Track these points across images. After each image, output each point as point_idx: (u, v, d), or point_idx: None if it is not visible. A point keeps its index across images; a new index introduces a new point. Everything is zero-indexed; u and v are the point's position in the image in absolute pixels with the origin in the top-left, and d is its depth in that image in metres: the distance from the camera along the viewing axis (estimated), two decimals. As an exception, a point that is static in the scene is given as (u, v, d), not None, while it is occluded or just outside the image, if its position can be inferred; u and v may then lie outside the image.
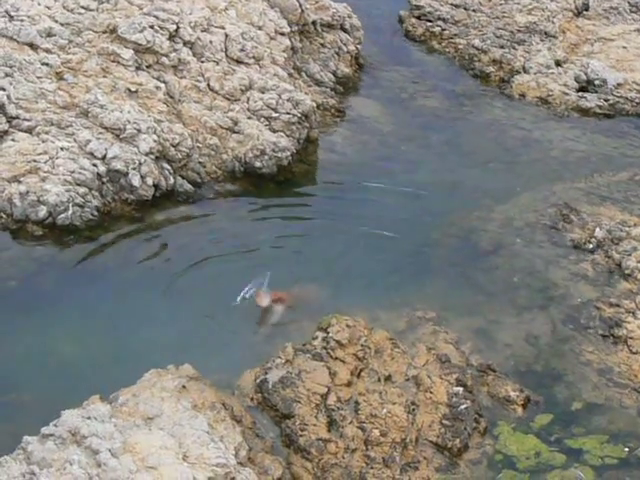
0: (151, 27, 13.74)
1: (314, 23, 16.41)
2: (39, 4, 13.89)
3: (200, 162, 13.17)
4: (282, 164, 13.50)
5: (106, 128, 12.48)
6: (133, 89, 13.18)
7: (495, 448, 9.24)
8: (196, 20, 14.42)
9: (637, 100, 16.85)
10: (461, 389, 9.60)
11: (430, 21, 18.94)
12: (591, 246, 12.18)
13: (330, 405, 9.03)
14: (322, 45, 16.59)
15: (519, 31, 18.44)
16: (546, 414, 9.70)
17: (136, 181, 12.18)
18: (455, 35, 18.60)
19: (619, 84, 17.07)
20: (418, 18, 19.08)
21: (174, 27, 13.96)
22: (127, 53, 13.43)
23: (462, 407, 9.40)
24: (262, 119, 13.82)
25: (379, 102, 16.28)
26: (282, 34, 15.27)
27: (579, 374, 10.26)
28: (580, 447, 9.27)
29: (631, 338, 10.68)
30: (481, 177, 14.23)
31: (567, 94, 16.84)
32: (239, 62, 14.46)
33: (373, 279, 11.64)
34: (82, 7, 14.02)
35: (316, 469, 8.59)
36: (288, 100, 13.97)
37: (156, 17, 13.91)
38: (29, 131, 12.30)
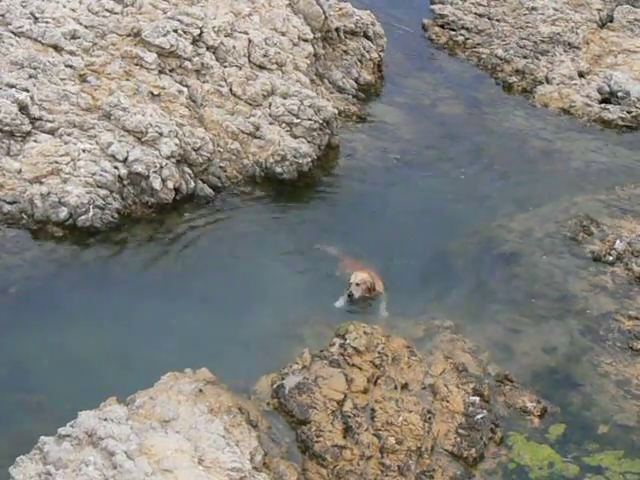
0: (175, 31, 13.79)
1: (337, 30, 16.44)
2: (64, 6, 13.98)
3: (221, 167, 13.21)
4: (303, 170, 13.52)
5: (128, 131, 12.53)
6: (156, 92, 13.24)
7: (509, 457, 9.21)
8: (220, 25, 14.47)
9: (660, 112, 16.81)
10: (478, 398, 9.57)
11: (454, 30, 18.96)
12: (611, 258, 12.13)
13: (346, 412, 9.02)
14: (345, 52, 16.61)
15: (542, 41, 18.43)
16: (561, 425, 9.67)
17: (157, 184, 12.21)
18: (478, 44, 18.59)
19: (642, 96, 17.04)
20: (442, 27, 19.11)
21: (198, 31, 14.01)
22: (150, 57, 13.49)
23: (478, 417, 9.37)
24: (283, 125, 13.85)
25: (401, 109, 16.29)
26: (305, 40, 15.30)
27: (597, 386, 10.21)
28: (598, 464, 9.22)
29: (650, 351, 10.67)
30: (502, 186, 14.21)
31: (590, 105, 16.79)
32: (262, 67, 14.50)
33: (391, 287, 11.62)
34: (107, 10, 14.11)
35: (331, 476, 8.57)
36: (310, 106, 13.99)
37: (180, 21, 13.96)
38: (51, 132, 12.36)
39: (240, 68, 14.27)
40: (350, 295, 11.19)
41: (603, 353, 10.65)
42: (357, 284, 11.22)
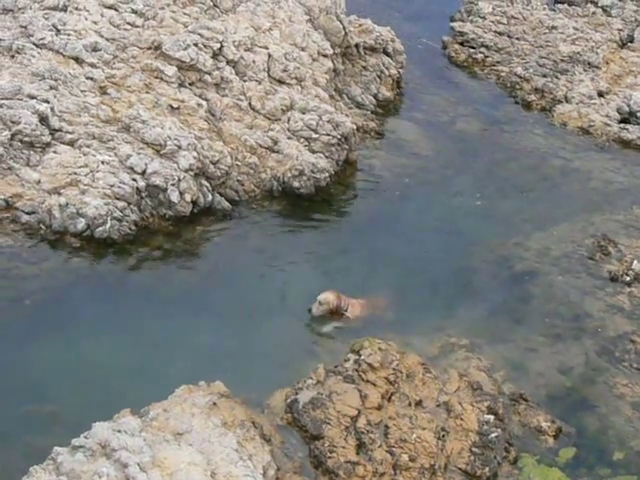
0: (195, 45, 13.85)
1: (357, 46, 16.48)
2: (86, 19, 14.05)
3: (239, 180, 13.23)
4: (320, 185, 13.53)
5: (147, 143, 12.57)
6: (175, 106, 13.28)
7: (520, 479, 9.16)
8: (240, 39, 14.51)
9: (679, 133, 16.75)
10: (492, 417, 9.54)
11: (473, 47, 18.98)
12: (628, 279, 12.09)
13: (360, 428, 9.00)
14: (364, 68, 16.64)
15: (562, 60, 18.42)
16: (571, 448, 9.61)
17: (175, 197, 12.24)
18: (498, 62, 18.60)
19: (662, 117, 17.01)
20: (461, 44, 19.13)
21: (218, 45, 14.06)
22: (170, 70, 13.55)
23: (492, 435, 9.33)
24: (302, 139, 13.87)
25: (419, 126, 16.29)
26: (325, 56, 15.33)
27: (612, 407, 10.16)
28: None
29: (667, 373, 10.61)
30: (519, 205, 14.18)
31: (609, 125, 16.76)
32: (281, 82, 14.53)
33: (407, 304, 11.60)
34: (128, 23, 14.18)
35: (343, 492, 8.56)
36: (328, 121, 14.00)
37: (201, 35, 14.02)
38: (71, 144, 12.42)
39: (259, 82, 14.31)
40: (309, 310, 11.12)
41: (619, 374, 10.61)
42: (320, 303, 11.08)
